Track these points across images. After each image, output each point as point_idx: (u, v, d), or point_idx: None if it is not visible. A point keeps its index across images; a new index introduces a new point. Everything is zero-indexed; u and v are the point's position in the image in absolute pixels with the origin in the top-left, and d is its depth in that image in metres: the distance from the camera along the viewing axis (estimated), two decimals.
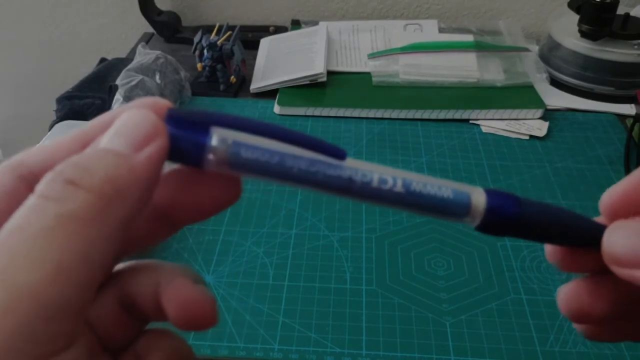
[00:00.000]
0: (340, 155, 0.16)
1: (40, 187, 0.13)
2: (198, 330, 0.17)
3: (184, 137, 0.15)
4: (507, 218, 0.16)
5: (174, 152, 0.15)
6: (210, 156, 0.15)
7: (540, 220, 0.17)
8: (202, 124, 0.15)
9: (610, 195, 0.17)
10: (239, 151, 0.15)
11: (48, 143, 0.16)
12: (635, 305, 0.18)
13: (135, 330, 0.17)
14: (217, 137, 0.15)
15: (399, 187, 0.16)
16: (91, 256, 0.12)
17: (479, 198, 0.16)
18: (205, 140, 0.15)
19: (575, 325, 0.19)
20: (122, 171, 0.13)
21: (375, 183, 0.16)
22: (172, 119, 0.15)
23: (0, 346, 0.11)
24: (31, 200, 0.13)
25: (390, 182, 0.16)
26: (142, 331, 0.17)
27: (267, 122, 0.15)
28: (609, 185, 0.17)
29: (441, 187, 0.16)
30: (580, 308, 0.18)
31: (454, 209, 0.16)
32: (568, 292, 0.18)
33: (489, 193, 0.16)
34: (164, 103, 0.16)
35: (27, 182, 0.15)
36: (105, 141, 0.14)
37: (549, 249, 0.18)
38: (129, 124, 0.14)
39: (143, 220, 0.16)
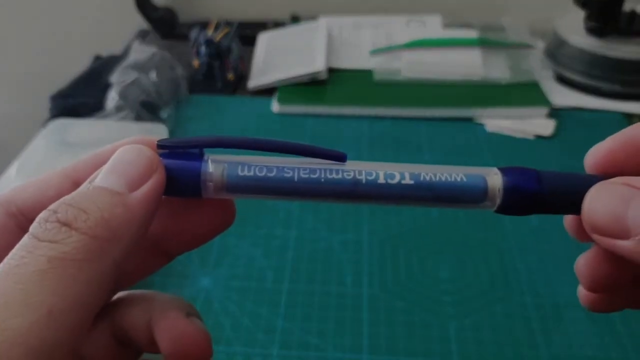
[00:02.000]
0: (340, 158, 0.15)
1: (33, 227, 0.13)
2: None
3: (179, 169, 0.15)
4: (528, 196, 0.15)
5: (170, 185, 0.15)
6: (210, 184, 0.15)
7: (563, 193, 0.15)
8: (193, 152, 0.15)
9: (594, 155, 0.16)
10: (235, 172, 0.15)
11: (37, 179, 0.16)
12: None
13: None
14: (212, 163, 0.15)
15: (407, 180, 0.15)
16: (84, 299, 0.12)
17: (495, 179, 0.15)
18: (202, 167, 0.15)
19: (583, 298, 0.18)
20: (118, 211, 0.13)
21: (381, 179, 0.15)
22: (164, 150, 0.15)
23: None
24: (25, 241, 0.13)
25: (397, 176, 0.15)
26: None
27: (258, 137, 0.15)
28: None
29: (452, 173, 0.15)
30: (601, 275, 0.17)
31: (470, 194, 0.15)
32: (588, 260, 0.17)
33: (506, 171, 0.15)
34: (151, 139, 0.16)
35: (17, 219, 0.15)
36: (99, 179, 0.14)
37: (568, 219, 0.17)
38: (124, 161, 0.14)
39: (137, 254, 0.16)
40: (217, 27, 0.61)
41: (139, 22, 0.75)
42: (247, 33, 0.69)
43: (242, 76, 0.64)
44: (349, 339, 0.36)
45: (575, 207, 0.16)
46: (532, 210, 0.15)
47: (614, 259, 0.17)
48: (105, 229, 0.13)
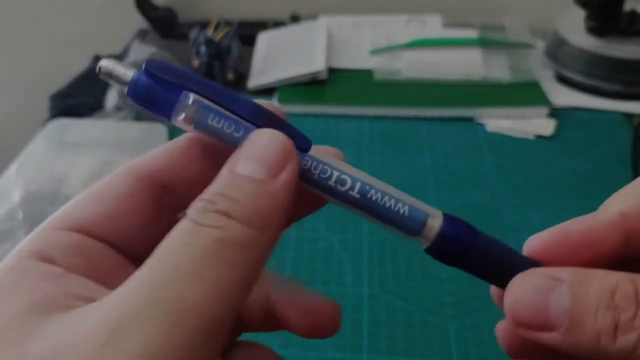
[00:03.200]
0: (304, 146, 0.16)
1: (193, 215, 0.14)
2: (319, 337, 0.18)
3: (162, 92, 0.16)
4: (459, 247, 0.16)
5: (149, 100, 0.16)
6: (182, 113, 0.16)
7: (492, 261, 0.16)
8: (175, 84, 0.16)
9: (528, 246, 0.16)
10: (206, 119, 0.16)
11: (162, 149, 0.17)
12: None
13: (228, 343, 0.18)
14: (192, 98, 0.16)
15: (354, 192, 0.16)
16: (245, 280, 0.13)
17: (434, 221, 0.16)
18: (180, 97, 0.16)
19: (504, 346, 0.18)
20: (266, 201, 0.14)
21: (332, 181, 0.16)
22: (151, 69, 0.16)
23: (169, 358, 0.12)
24: (187, 225, 0.13)
25: (348, 183, 0.16)
26: (234, 343, 0.18)
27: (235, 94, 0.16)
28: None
29: (398, 202, 0.16)
30: (518, 345, 0.18)
31: (406, 225, 0.16)
32: (505, 330, 0.18)
33: (447, 218, 0.16)
34: (273, 107, 0.16)
35: (146, 186, 0.16)
36: (242, 167, 0.15)
37: (494, 291, 0.17)
38: (261, 147, 0.15)
39: None
40: (217, 27, 0.61)
41: (138, 21, 0.75)
42: (247, 33, 0.69)
43: (242, 76, 0.64)
44: (349, 339, 0.36)
45: (499, 281, 0.16)
46: (458, 262, 0.16)
47: None
48: (259, 218, 0.14)
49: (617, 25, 0.58)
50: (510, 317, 0.15)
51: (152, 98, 0.16)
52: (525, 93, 0.59)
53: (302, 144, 0.16)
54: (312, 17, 0.73)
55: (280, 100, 0.58)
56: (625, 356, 0.14)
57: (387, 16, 0.72)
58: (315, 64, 0.61)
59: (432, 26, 0.69)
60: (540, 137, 0.54)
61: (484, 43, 0.64)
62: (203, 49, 0.60)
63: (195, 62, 0.62)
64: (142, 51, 0.57)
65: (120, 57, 0.61)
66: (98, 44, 0.72)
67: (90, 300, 0.13)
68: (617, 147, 0.53)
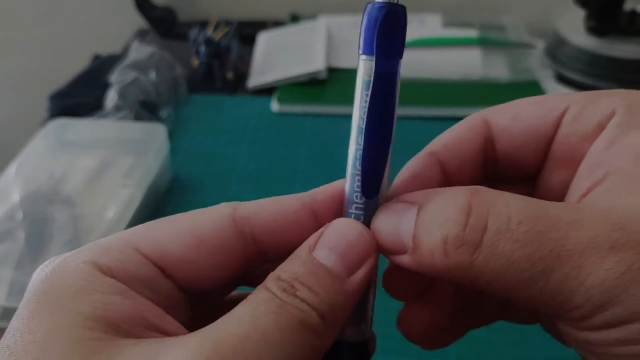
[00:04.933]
0: None
1: (276, 291, 0.14)
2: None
3: None
4: None
5: None
6: None
7: None
8: None
9: (398, 180, 0.18)
10: None
11: (273, 202, 0.16)
12: (470, 301, 0.19)
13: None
14: None
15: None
16: None
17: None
18: None
19: (413, 336, 0.19)
20: (341, 298, 0.14)
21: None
22: None
23: None
24: (272, 298, 0.14)
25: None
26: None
27: None
28: None
29: None
30: (427, 328, 0.18)
31: None
32: (405, 316, 0.19)
33: None
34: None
35: (245, 239, 0.16)
36: (322, 254, 0.15)
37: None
38: (346, 240, 0.15)
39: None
40: (217, 27, 0.61)
41: (138, 21, 0.75)
42: (247, 33, 0.69)
43: (242, 76, 0.63)
44: None
45: None
46: None
47: (434, 306, 0.18)
48: (331, 314, 0.14)
49: (617, 25, 0.58)
50: (378, 242, 0.16)
51: None
52: (525, 93, 0.58)
53: None
54: (312, 17, 0.73)
55: (280, 100, 0.58)
56: (464, 272, 0.14)
57: None
58: (315, 64, 0.61)
59: (432, 26, 0.69)
60: None
61: (483, 43, 0.64)
62: (203, 48, 0.60)
63: (195, 62, 0.61)
64: (142, 51, 0.57)
65: (120, 57, 0.61)
66: (98, 44, 0.72)
67: (162, 331, 0.13)
68: None
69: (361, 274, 0.15)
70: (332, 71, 0.62)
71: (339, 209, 0.17)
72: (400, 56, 0.16)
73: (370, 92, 0.16)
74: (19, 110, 0.86)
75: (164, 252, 0.15)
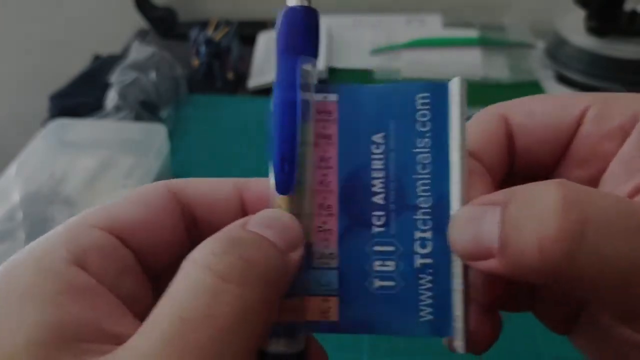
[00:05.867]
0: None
1: (212, 262, 0.13)
2: None
3: None
4: None
5: None
6: None
7: None
8: None
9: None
10: None
11: (210, 180, 0.17)
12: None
13: None
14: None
15: None
16: (256, 345, 0.13)
17: None
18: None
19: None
20: (282, 270, 0.14)
21: None
22: None
23: None
24: (210, 281, 0.13)
25: None
26: None
27: None
28: None
29: None
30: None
31: None
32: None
33: None
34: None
35: (183, 208, 0.16)
36: (258, 229, 0.14)
37: None
38: (279, 222, 0.15)
39: None
40: (217, 27, 0.61)
41: (138, 21, 0.75)
42: (247, 33, 0.69)
43: (242, 76, 0.63)
44: (349, 339, 0.36)
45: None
46: None
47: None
48: (273, 281, 0.14)
49: (617, 25, 0.58)
50: (455, 251, 0.15)
51: None
52: (525, 93, 0.57)
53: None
54: None
55: None
56: (561, 270, 0.13)
57: (387, 16, 0.72)
58: None
59: (432, 26, 0.69)
60: None
61: (484, 43, 0.64)
62: (203, 48, 0.60)
63: (195, 62, 0.61)
64: (142, 51, 0.57)
65: (120, 57, 0.61)
66: (98, 44, 0.72)
67: (117, 339, 0.13)
68: None
69: (298, 254, 0.15)
70: (332, 71, 0.62)
71: (266, 203, 0.16)
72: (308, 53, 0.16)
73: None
74: (19, 110, 0.86)
75: (117, 220, 0.15)
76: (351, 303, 0.16)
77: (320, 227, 0.16)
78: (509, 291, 0.17)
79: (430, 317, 0.16)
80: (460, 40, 0.64)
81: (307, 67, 0.16)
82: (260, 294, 0.13)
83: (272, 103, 0.16)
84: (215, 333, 0.12)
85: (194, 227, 0.17)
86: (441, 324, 0.16)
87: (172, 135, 0.53)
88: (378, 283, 0.16)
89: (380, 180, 0.16)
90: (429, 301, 0.16)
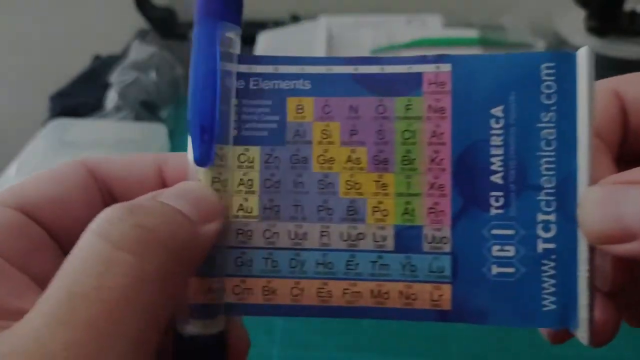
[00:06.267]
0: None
1: (107, 230, 0.13)
2: None
3: None
4: None
5: None
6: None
7: None
8: None
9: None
10: None
11: (128, 157, 0.17)
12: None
13: None
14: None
15: None
16: (161, 323, 0.13)
17: None
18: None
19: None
20: (191, 237, 0.14)
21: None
22: None
23: None
24: (103, 248, 0.12)
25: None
26: None
27: None
28: None
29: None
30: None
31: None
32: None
33: None
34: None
35: (98, 184, 0.16)
36: (169, 200, 0.14)
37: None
38: (193, 193, 0.15)
39: None
40: None
41: (138, 21, 0.74)
42: (247, 33, 0.69)
43: None
44: (349, 339, 0.36)
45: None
46: None
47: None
48: (172, 254, 0.13)
49: (617, 25, 0.58)
50: (586, 234, 0.14)
51: None
52: None
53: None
54: (312, 17, 0.73)
55: None
56: None
57: (387, 16, 0.72)
58: None
59: (432, 26, 0.69)
60: None
61: (484, 43, 0.64)
62: None
63: None
64: (142, 51, 0.57)
65: (120, 57, 0.61)
66: (98, 44, 0.72)
67: (18, 313, 0.12)
68: None
69: (213, 227, 0.14)
70: None
71: (185, 177, 0.16)
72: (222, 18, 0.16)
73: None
74: (19, 110, 0.86)
75: (27, 197, 0.15)
76: (466, 291, 0.15)
77: (432, 208, 0.15)
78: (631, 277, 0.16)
79: (553, 306, 0.15)
80: (460, 40, 0.64)
81: (230, 34, 0.16)
82: (159, 264, 0.12)
83: (190, 71, 0.16)
84: (105, 306, 0.11)
85: (112, 203, 0.16)
86: (566, 314, 0.15)
87: (172, 135, 0.53)
88: (496, 270, 0.15)
89: (499, 158, 0.15)
90: (552, 289, 0.15)
